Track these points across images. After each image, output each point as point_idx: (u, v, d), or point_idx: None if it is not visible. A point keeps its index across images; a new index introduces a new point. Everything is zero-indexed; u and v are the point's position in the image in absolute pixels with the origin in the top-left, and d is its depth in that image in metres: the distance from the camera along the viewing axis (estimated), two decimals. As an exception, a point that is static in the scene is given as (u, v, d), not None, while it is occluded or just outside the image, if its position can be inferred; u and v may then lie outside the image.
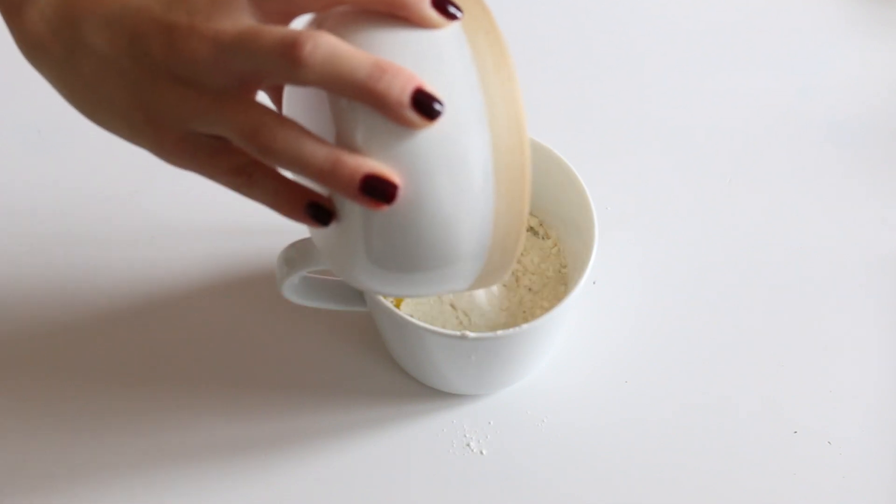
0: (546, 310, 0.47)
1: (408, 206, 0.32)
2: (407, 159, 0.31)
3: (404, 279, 0.34)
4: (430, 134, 0.31)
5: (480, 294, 0.50)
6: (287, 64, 0.30)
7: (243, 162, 0.33)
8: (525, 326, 0.44)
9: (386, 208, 0.31)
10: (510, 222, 0.33)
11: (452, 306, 0.49)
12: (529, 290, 0.51)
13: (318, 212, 0.33)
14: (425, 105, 0.31)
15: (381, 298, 0.44)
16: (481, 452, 0.50)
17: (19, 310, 0.54)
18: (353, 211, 0.33)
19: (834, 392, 0.52)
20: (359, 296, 0.49)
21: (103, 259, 0.55)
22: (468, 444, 0.50)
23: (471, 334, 0.44)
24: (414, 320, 0.44)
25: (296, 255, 0.46)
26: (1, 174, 0.59)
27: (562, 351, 0.53)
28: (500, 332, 0.44)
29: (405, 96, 0.30)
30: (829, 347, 0.53)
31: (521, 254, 0.52)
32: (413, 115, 0.31)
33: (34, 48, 0.33)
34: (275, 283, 0.47)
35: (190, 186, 0.57)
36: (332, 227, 0.34)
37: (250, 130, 0.31)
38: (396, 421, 0.51)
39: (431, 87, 0.31)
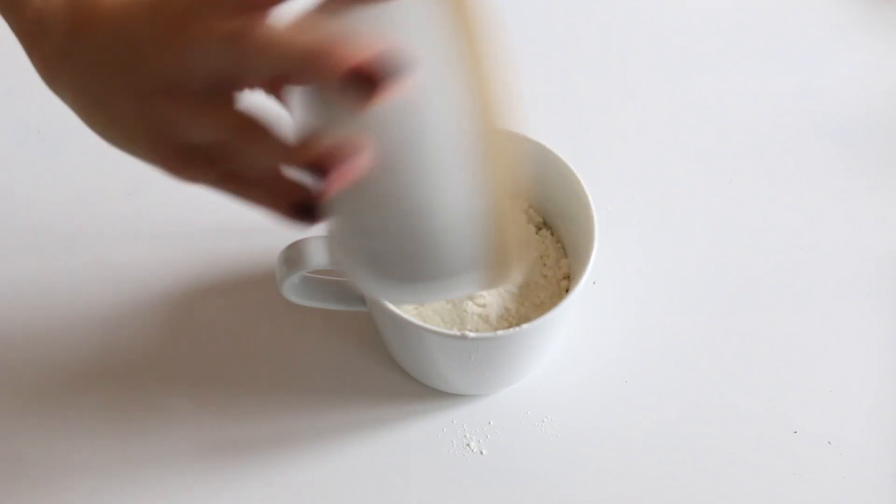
0: (546, 310, 0.47)
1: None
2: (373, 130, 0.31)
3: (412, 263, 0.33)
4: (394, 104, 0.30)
5: (481, 293, 0.50)
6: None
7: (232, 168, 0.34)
8: (525, 326, 0.44)
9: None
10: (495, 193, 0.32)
11: (453, 305, 0.49)
12: (530, 289, 0.51)
13: (305, 209, 0.33)
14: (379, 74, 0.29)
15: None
16: (481, 452, 0.50)
17: (18, 309, 0.54)
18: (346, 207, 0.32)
19: (834, 392, 0.52)
20: (359, 296, 0.49)
21: (103, 259, 0.55)
22: (468, 444, 0.50)
23: (471, 334, 0.43)
24: (414, 320, 0.44)
25: (296, 255, 0.46)
26: (0, 174, 0.59)
27: (562, 351, 0.53)
28: (500, 332, 0.44)
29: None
30: (829, 347, 0.53)
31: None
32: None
33: (52, 78, 0.34)
34: (275, 283, 0.47)
35: (189, 186, 0.57)
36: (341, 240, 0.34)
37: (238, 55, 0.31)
38: (396, 421, 0.51)
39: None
